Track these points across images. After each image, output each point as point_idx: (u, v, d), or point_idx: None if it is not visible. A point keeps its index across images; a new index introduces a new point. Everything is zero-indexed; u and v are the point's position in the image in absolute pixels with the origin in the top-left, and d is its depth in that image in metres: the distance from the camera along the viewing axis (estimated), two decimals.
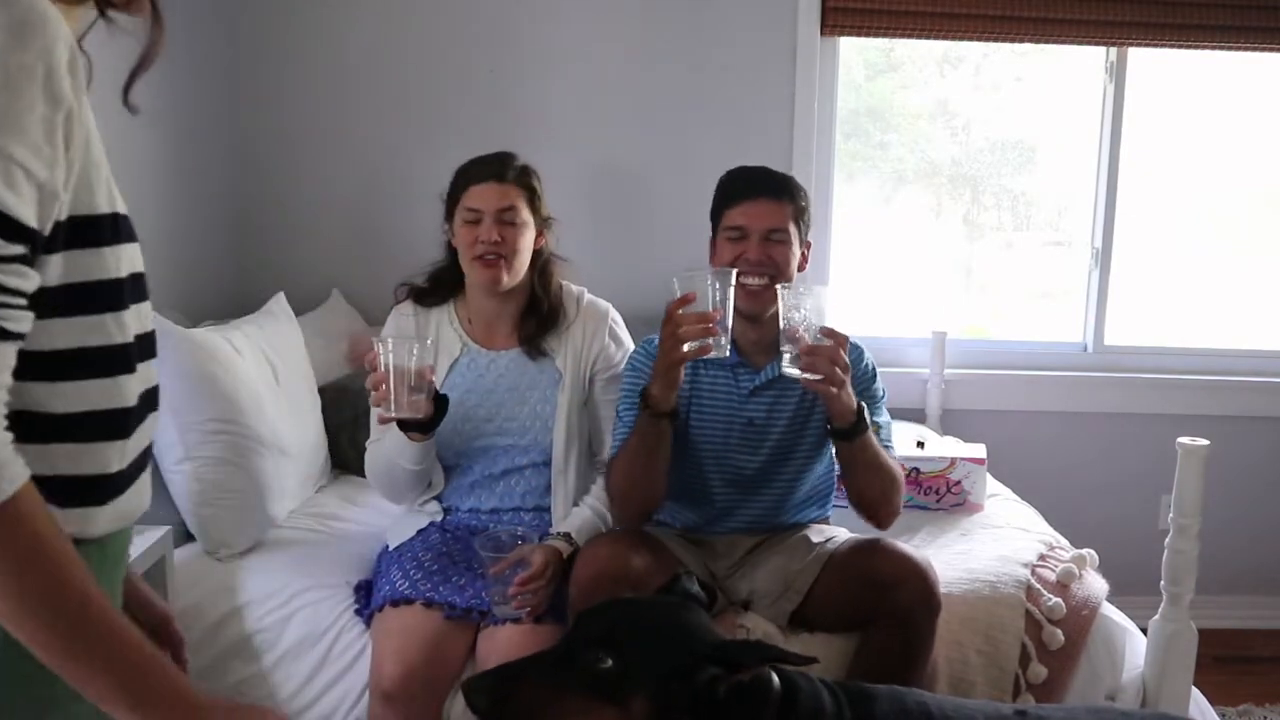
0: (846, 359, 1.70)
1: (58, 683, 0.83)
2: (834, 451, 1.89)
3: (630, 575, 1.73)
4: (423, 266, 2.11)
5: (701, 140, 3.06)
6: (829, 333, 1.69)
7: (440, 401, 1.84)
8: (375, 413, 1.88)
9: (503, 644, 1.75)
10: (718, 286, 1.67)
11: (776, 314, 1.74)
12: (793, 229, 1.88)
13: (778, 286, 1.76)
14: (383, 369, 1.72)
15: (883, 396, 1.97)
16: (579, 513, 1.96)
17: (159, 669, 0.88)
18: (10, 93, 0.79)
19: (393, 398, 1.73)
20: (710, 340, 1.65)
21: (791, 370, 1.70)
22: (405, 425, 1.84)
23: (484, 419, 2.02)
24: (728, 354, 1.70)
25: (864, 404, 1.78)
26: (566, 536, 1.89)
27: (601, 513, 1.96)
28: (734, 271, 1.74)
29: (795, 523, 2.01)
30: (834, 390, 1.69)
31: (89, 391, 0.91)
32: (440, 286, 2.05)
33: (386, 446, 1.93)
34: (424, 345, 1.75)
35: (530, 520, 2.03)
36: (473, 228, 1.94)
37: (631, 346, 2.08)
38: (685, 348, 1.66)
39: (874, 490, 1.83)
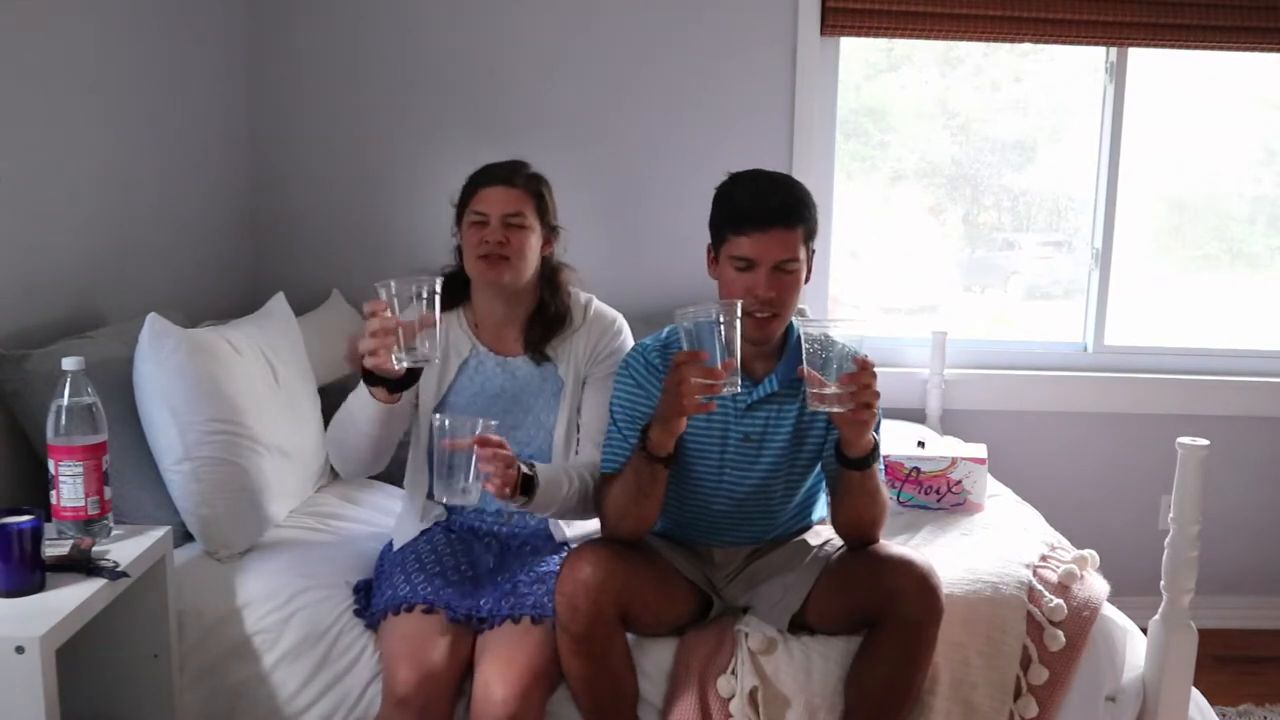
0: (878, 394, 1.65)
1: None
2: (829, 476, 1.87)
3: (619, 584, 1.71)
4: (425, 267, 2.10)
5: (701, 140, 3.06)
6: (863, 363, 1.63)
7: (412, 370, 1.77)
8: (368, 364, 1.73)
9: (500, 647, 1.75)
10: (723, 326, 1.61)
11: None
12: (803, 252, 1.80)
13: (799, 326, 1.67)
14: (393, 314, 1.66)
15: (879, 420, 1.91)
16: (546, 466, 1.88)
17: None
18: None
19: (402, 343, 1.67)
20: (720, 384, 1.61)
21: (822, 407, 1.64)
22: (382, 383, 1.77)
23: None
24: (739, 389, 1.66)
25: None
26: (530, 464, 1.82)
27: (569, 474, 1.87)
28: (739, 303, 1.66)
29: (792, 529, 2.00)
30: (868, 422, 1.66)
31: None
32: (450, 290, 2.03)
33: (354, 409, 1.87)
34: (431, 283, 1.69)
35: (535, 524, 2.04)
36: (479, 229, 1.94)
37: None
38: (697, 398, 1.61)
39: (867, 517, 1.80)
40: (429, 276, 1.71)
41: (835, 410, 1.63)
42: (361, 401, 1.84)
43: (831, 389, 1.62)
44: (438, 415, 1.71)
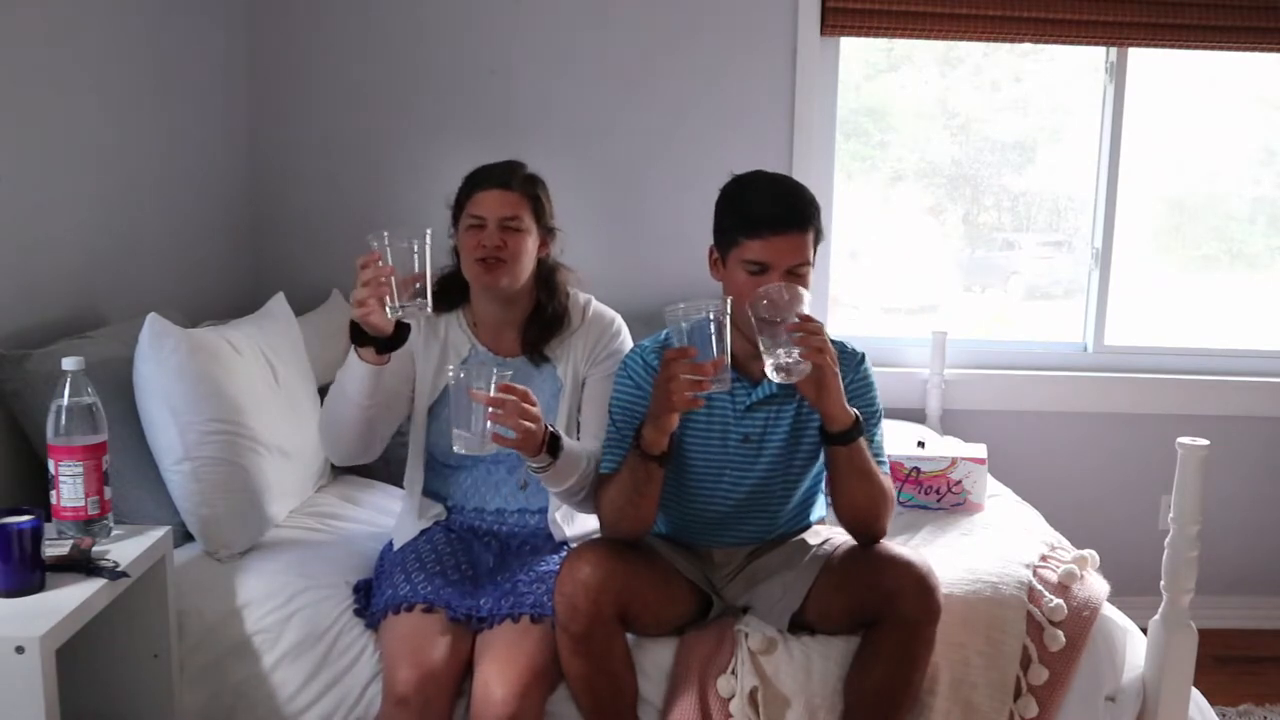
0: (828, 342, 1.67)
1: None
2: (824, 460, 1.86)
3: (619, 584, 1.71)
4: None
5: (701, 140, 3.06)
6: (805, 318, 1.66)
7: (401, 326, 1.78)
8: (356, 315, 1.73)
9: (499, 646, 1.75)
10: (714, 324, 1.61)
11: None
12: (812, 254, 1.80)
13: (749, 310, 1.68)
14: (387, 264, 1.66)
15: (879, 412, 1.91)
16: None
17: None
18: None
19: (395, 296, 1.68)
20: (711, 380, 1.61)
21: (779, 374, 1.65)
22: (372, 342, 1.76)
23: None
24: (730, 388, 1.67)
25: (858, 410, 1.76)
26: (554, 426, 1.81)
27: (586, 452, 1.87)
28: (729, 300, 1.67)
29: (791, 529, 2.00)
30: (828, 375, 1.67)
31: None
32: (449, 291, 2.03)
33: (344, 381, 1.86)
34: (424, 242, 1.70)
35: (535, 523, 2.04)
36: (476, 233, 1.94)
37: None
38: (686, 394, 1.61)
39: (865, 499, 1.78)
40: (422, 230, 1.71)
41: (799, 369, 1.64)
42: (351, 371, 1.83)
43: (779, 350, 1.64)
44: (451, 370, 1.71)
